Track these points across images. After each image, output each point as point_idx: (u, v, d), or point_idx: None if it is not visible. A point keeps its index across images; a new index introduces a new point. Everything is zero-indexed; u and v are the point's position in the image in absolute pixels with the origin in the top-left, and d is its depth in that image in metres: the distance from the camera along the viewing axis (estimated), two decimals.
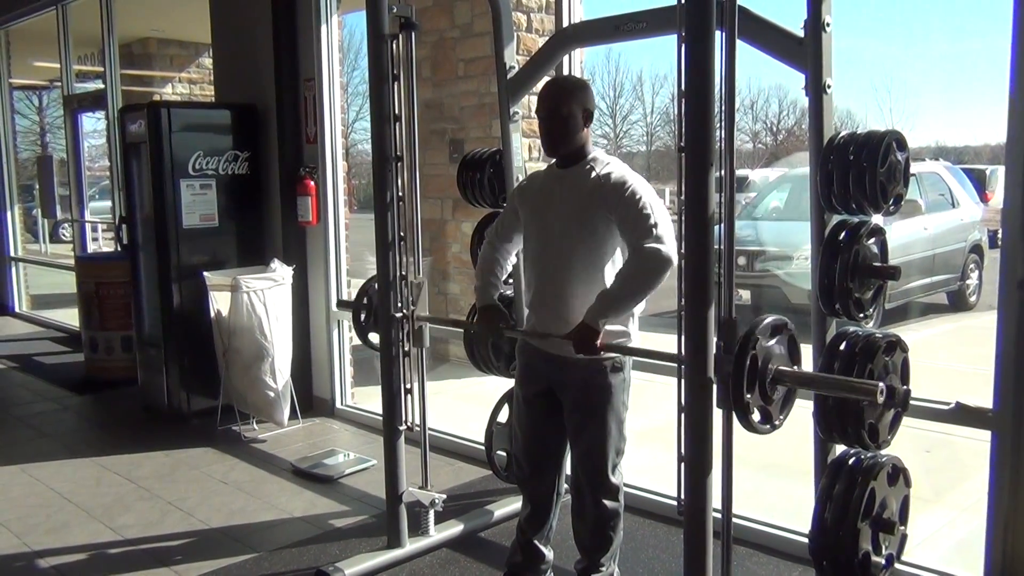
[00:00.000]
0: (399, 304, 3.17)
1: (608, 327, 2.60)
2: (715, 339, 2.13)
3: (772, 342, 2.16)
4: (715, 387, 2.13)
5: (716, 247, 2.13)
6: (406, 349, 3.21)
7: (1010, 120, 2.52)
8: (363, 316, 3.52)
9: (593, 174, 2.62)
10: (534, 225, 2.75)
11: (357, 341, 5.20)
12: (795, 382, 2.19)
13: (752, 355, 2.10)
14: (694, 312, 2.11)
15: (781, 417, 2.22)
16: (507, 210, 2.95)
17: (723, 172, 2.12)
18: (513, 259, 2.98)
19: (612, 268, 2.63)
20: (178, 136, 4.82)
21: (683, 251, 2.15)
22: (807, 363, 2.48)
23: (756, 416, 2.16)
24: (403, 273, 3.17)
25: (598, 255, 2.61)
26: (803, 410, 2.31)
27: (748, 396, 2.11)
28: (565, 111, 2.60)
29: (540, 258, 2.72)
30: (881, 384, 2.01)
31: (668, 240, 2.47)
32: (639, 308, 2.72)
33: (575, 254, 2.61)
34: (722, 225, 2.15)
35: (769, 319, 2.17)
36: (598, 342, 2.52)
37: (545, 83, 2.83)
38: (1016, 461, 2.61)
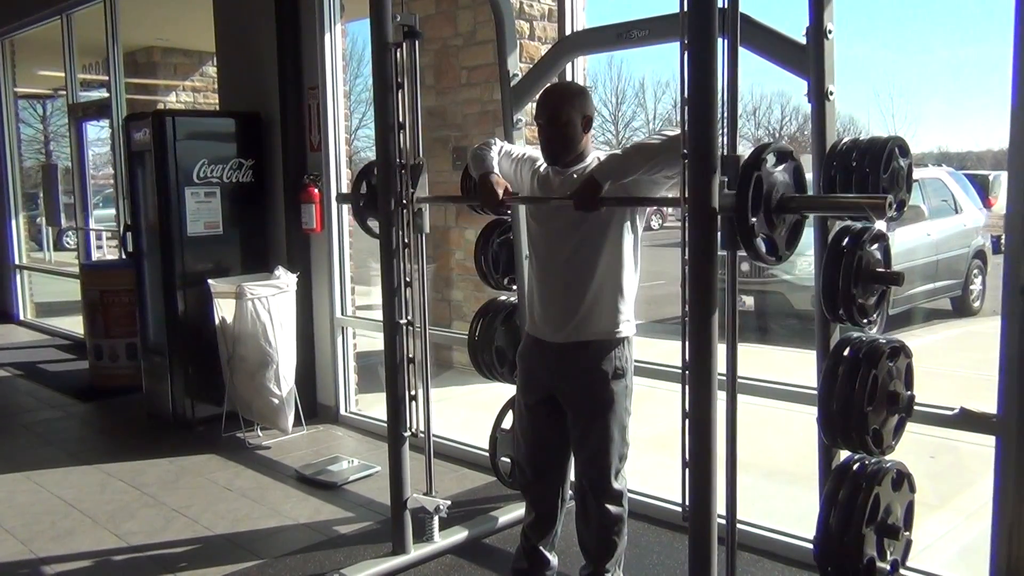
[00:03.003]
0: (403, 310, 3.18)
1: (607, 329, 2.62)
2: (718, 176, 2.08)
3: (777, 169, 2.13)
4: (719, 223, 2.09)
5: (719, 253, 2.13)
6: (406, 240, 3.15)
7: (1012, 125, 2.52)
8: (362, 203, 3.36)
9: (593, 163, 2.63)
10: (538, 225, 2.74)
11: (361, 348, 5.26)
12: (801, 206, 2.15)
13: (756, 177, 2.05)
14: (697, 338, 2.11)
15: (788, 251, 2.20)
16: (509, 158, 2.88)
17: (726, 178, 2.13)
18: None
19: (629, 257, 2.64)
20: (183, 144, 4.84)
21: (687, 257, 2.16)
22: (810, 365, 2.48)
23: (761, 246, 2.12)
24: (407, 280, 3.17)
25: (614, 243, 2.60)
26: (807, 416, 2.31)
27: (753, 220, 2.07)
28: (564, 118, 2.60)
29: (547, 256, 2.71)
30: (889, 196, 1.98)
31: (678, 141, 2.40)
32: (635, 309, 2.73)
33: (589, 246, 2.61)
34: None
35: (774, 144, 2.13)
36: (597, 200, 2.48)
37: (543, 90, 2.82)
38: (1021, 466, 2.61)
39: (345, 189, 5.03)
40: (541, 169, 2.79)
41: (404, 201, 3.13)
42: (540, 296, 2.76)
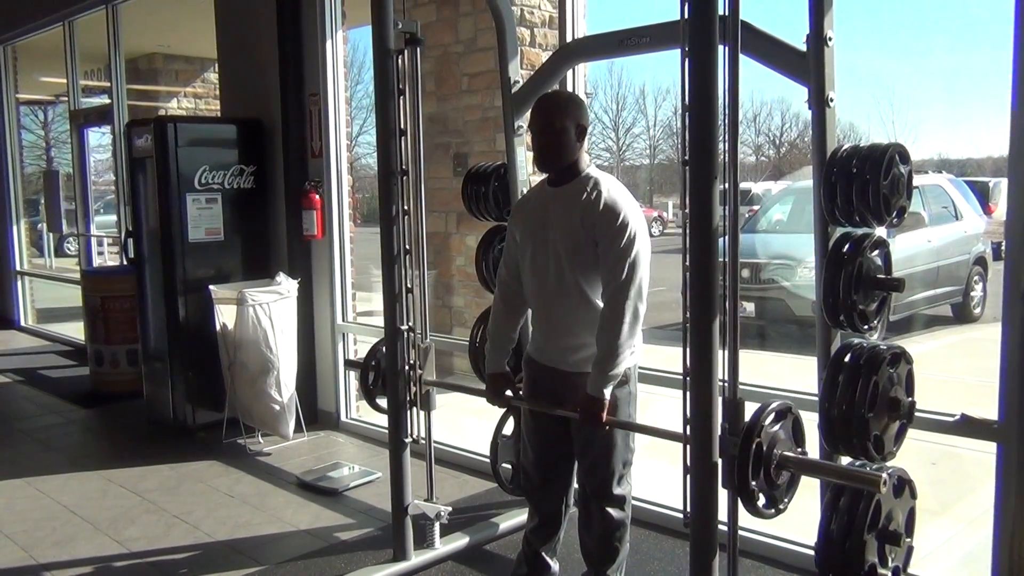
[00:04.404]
0: (404, 317, 3.18)
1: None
2: (720, 420, 2.16)
3: (776, 427, 2.20)
4: (720, 466, 2.16)
5: (720, 259, 2.14)
6: (413, 406, 3.22)
7: (1012, 132, 2.53)
8: (371, 378, 3.45)
9: (583, 195, 2.58)
10: (528, 251, 2.73)
11: (362, 354, 5.24)
12: (799, 468, 2.22)
13: (757, 443, 2.13)
14: (699, 345, 2.12)
15: (786, 500, 2.26)
16: (508, 241, 2.88)
17: (727, 185, 2.13)
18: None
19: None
20: (184, 150, 4.85)
21: (688, 264, 2.16)
22: (811, 371, 2.49)
23: (761, 501, 2.19)
24: (408, 286, 3.18)
25: (594, 280, 2.60)
26: (809, 422, 2.31)
27: (753, 483, 2.14)
28: (558, 126, 2.59)
29: (537, 284, 2.71)
30: (884, 475, 2.05)
31: (635, 284, 2.48)
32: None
33: (570, 282, 2.61)
34: (726, 238, 2.16)
35: (773, 404, 2.20)
36: (604, 414, 2.53)
37: (538, 98, 2.82)
38: (1022, 472, 2.60)
39: (346, 196, 5.04)
40: (529, 206, 2.79)
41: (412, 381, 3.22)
42: (536, 329, 2.79)
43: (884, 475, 2.05)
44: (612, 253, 2.50)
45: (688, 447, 2.24)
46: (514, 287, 2.84)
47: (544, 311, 2.71)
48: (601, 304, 2.59)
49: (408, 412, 3.21)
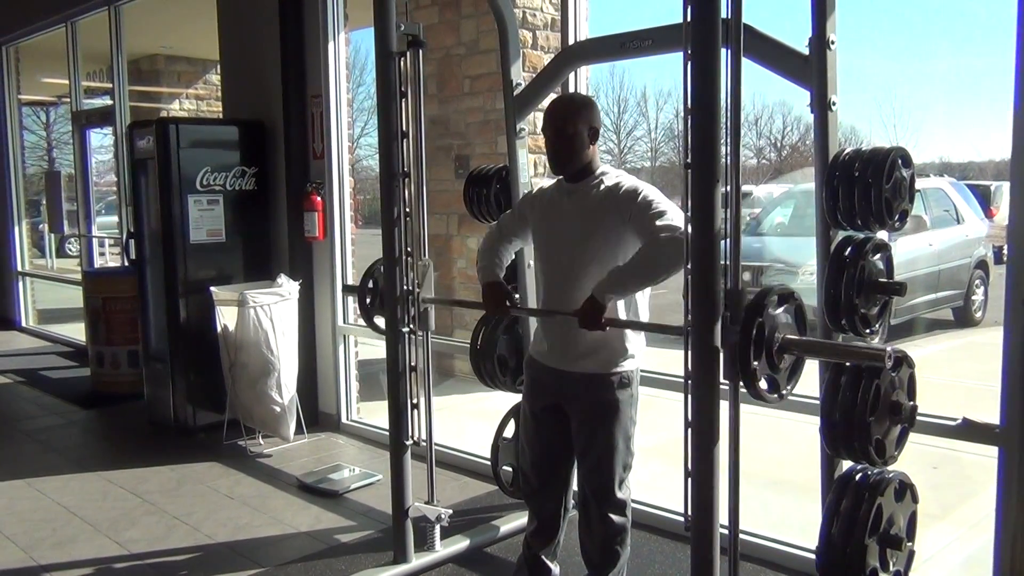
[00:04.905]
0: (407, 320, 3.19)
1: (615, 341, 2.61)
2: (722, 309, 2.12)
3: (779, 311, 2.17)
4: (722, 358, 2.12)
5: (722, 262, 2.14)
6: (414, 333, 3.20)
7: (1015, 136, 2.53)
8: (368, 299, 3.48)
9: (603, 186, 2.64)
10: (544, 235, 2.76)
11: (363, 356, 5.26)
12: (802, 349, 2.19)
13: (759, 323, 2.10)
14: (700, 347, 2.11)
15: (788, 387, 2.23)
16: (513, 212, 2.96)
17: (729, 188, 2.13)
18: (512, 255, 3.00)
19: (638, 295, 2.64)
20: (186, 152, 4.85)
21: (689, 266, 2.16)
22: (813, 374, 2.48)
23: (763, 384, 2.15)
24: (408, 288, 3.18)
25: (610, 265, 2.60)
26: (810, 426, 2.31)
27: (755, 363, 2.11)
28: (571, 129, 2.61)
29: (551, 268, 2.73)
30: (888, 348, 2.01)
31: (680, 228, 2.41)
32: (645, 315, 2.73)
33: (586, 264, 2.61)
34: (728, 240, 2.16)
35: (776, 287, 2.18)
36: (602, 318, 2.49)
37: (551, 101, 2.84)
38: (1023, 477, 2.60)
39: (347, 197, 5.04)
40: (547, 195, 2.80)
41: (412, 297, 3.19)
42: (540, 328, 2.80)
43: (888, 348, 2.02)
44: (648, 214, 2.49)
45: (688, 340, 2.18)
46: (504, 236, 2.93)
47: (558, 300, 2.70)
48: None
49: (409, 414, 3.21)
